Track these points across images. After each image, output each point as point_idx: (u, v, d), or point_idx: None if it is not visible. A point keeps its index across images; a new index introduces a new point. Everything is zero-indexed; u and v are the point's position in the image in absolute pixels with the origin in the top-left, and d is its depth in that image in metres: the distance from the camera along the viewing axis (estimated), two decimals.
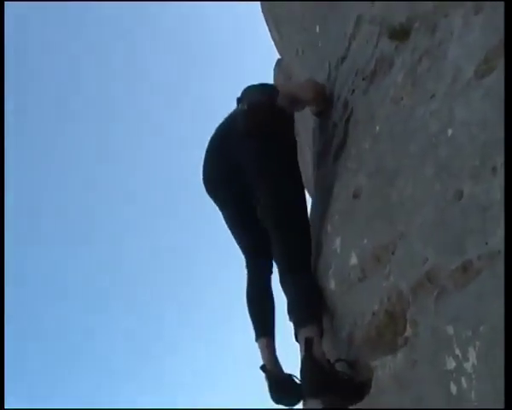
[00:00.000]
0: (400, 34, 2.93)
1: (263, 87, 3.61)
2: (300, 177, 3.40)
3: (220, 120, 3.64)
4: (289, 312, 3.12)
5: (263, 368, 3.39)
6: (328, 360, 2.84)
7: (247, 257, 3.70)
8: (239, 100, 3.58)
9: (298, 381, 3.05)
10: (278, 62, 6.46)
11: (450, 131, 2.37)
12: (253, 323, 3.58)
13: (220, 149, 3.49)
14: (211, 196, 3.64)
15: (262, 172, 3.27)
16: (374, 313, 2.52)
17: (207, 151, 3.57)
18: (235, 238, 3.70)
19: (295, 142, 3.50)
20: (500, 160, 2.08)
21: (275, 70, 6.48)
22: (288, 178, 3.32)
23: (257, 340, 3.53)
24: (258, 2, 6.10)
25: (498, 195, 2.04)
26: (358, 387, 2.67)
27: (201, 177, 3.60)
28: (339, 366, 2.79)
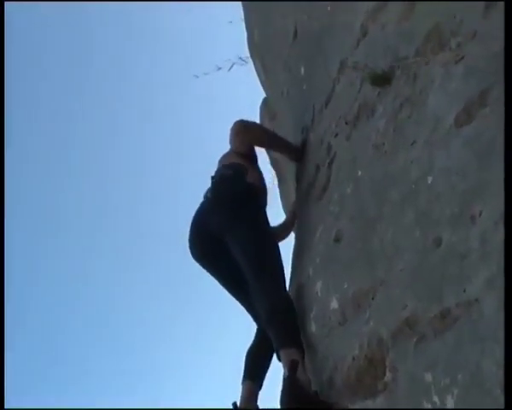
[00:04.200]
0: (382, 81, 2.98)
1: (235, 163, 3.98)
2: (266, 231, 3.70)
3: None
4: (267, 324, 3.20)
5: (234, 405, 3.34)
6: (316, 391, 2.81)
7: (250, 314, 3.81)
8: (213, 177, 3.98)
9: None
10: (264, 101, 6.52)
11: (430, 179, 2.40)
12: (245, 366, 3.58)
13: (200, 220, 3.82)
14: (199, 264, 3.88)
15: (231, 231, 3.57)
16: (354, 358, 2.52)
17: (192, 224, 3.87)
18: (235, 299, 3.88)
19: (261, 204, 3.88)
20: (478, 208, 2.11)
21: (261, 108, 6.53)
22: (255, 233, 3.58)
23: (242, 383, 3.52)
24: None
25: (476, 243, 2.07)
26: None
27: (188, 247, 3.89)
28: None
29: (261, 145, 4.35)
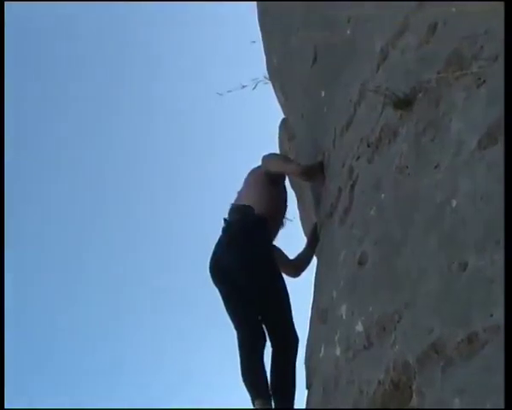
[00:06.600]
0: (404, 104, 3.00)
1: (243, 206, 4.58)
2: (272, 265, 4.30)
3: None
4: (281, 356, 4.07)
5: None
6: None
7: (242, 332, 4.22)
8: (225, 219, 4.59)
9: None
10: (283, 122, 6.55)
11: (454, 203, 2.41)
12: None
13: (216, 255, 4.42)
14: (214, 284, 4.40)
15: (241, 267, 4.26)
16: (380, 382, 2.51)
17: (211, 257, 4.44)
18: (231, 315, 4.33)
19: (267, 240, 4.46)
20: (503, 232, 2.11)
21: (280, 129, 6.56)
22: (262, 267, 4.25)
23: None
24: None
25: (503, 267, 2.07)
26: None
27: (208, 270, 4.44)
28: None
29: (277, 172, 4.70)
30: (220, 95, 5.65)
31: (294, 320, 4.16)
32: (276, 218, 4.55)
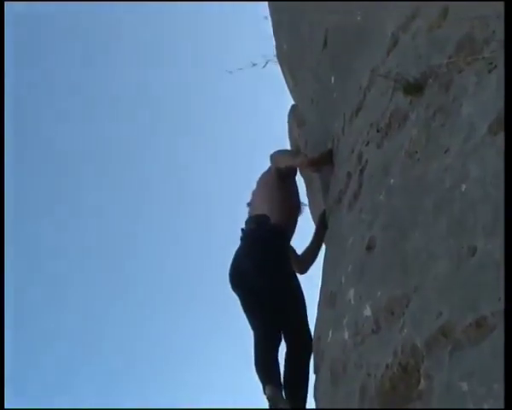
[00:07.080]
0: (414, 89, 2.99)
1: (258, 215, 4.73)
2: (288, 269, 4.49)
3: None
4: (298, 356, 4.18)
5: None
6: None
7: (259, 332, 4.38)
8: (242, 229, 4.79)
9: None
10: (292, 109, 6.54)
11: (463, 187, 2.41)
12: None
13: (235, 262, 4.63)
14: (233, 290, 4.61)
15: (258, 274, 4.43)
16: (388, 366, 2.52)
17: (231, 264, 4.64)
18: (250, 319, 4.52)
19: (284, 245, 4.60)
20: None
21: (289, 116, 6.55)
22: (278, 274, 4.40)
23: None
24: None
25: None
26: None
27: (228, 277, 4.64)
28: None
29: (287, 167, 4.74)
30: (230, 72, 5.64)
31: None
32: (291, 218, 4.68)
